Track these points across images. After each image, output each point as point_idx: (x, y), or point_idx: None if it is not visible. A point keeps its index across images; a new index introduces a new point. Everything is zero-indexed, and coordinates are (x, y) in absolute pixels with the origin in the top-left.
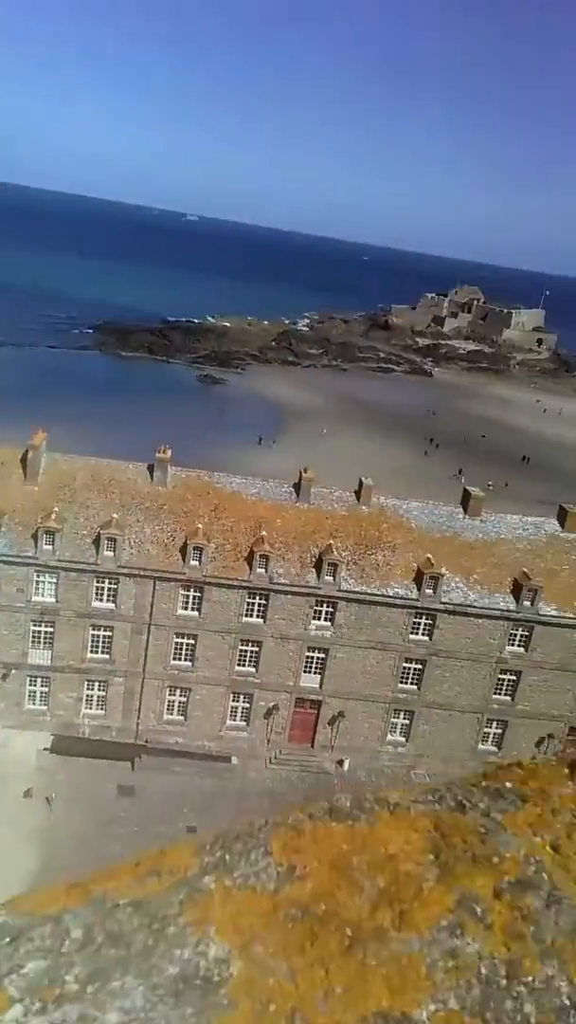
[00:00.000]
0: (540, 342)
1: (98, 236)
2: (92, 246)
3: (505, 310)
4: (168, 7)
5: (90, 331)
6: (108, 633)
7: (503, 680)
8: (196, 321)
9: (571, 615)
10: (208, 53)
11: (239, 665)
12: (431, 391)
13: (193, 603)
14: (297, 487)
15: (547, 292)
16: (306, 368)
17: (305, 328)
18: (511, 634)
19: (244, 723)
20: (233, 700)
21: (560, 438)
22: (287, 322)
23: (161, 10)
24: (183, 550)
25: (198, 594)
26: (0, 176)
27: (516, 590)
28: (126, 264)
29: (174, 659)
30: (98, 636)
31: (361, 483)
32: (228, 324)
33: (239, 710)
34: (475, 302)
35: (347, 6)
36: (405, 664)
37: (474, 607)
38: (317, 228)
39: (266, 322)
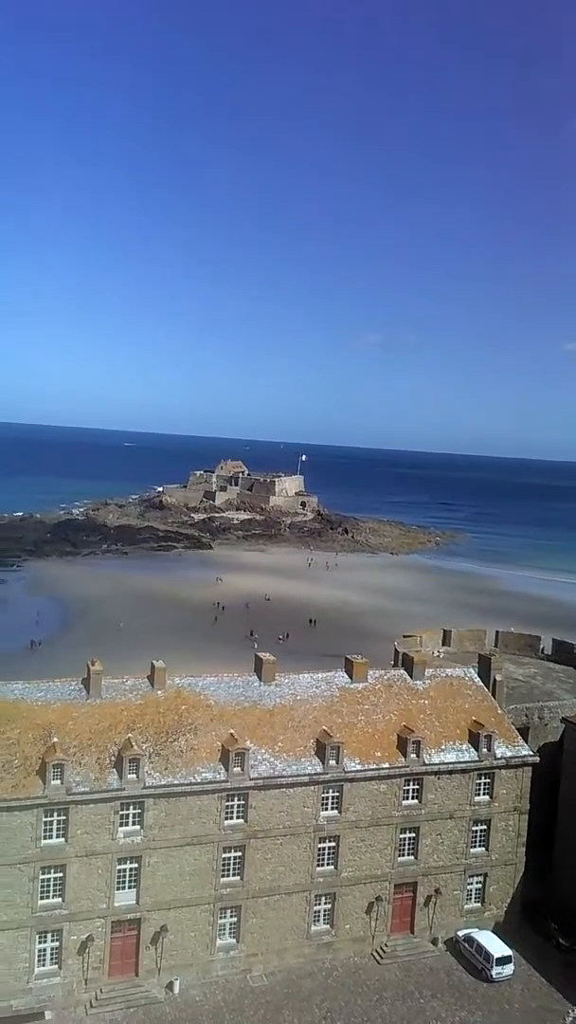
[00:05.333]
0: (304, 504)
1: None
2: None
3: (268, 479)
4: None
5: None
6: None
7: (323, 849)
8: None
9: (374, 766)
10: None
11: (42, 898)
12: (213, 561)
13: None
14: (87, 683)
15: (303, 457)
16: (87, 557)
17: (81, 516)
18: (323, 798)
19: (55, 966)
20: (40, 941)
21: (339, 597)
22: (62, 513)
23: None
24: None
25: None
26: None
27: (320, 751)
28: None
29: None
30: None
31: (153, 667)
32: None
33: (48, 952)
34: (240, 474)
35: None
36: (224, 855)
37: (284, 776)
38: (78, 420)
39: (39, 515)
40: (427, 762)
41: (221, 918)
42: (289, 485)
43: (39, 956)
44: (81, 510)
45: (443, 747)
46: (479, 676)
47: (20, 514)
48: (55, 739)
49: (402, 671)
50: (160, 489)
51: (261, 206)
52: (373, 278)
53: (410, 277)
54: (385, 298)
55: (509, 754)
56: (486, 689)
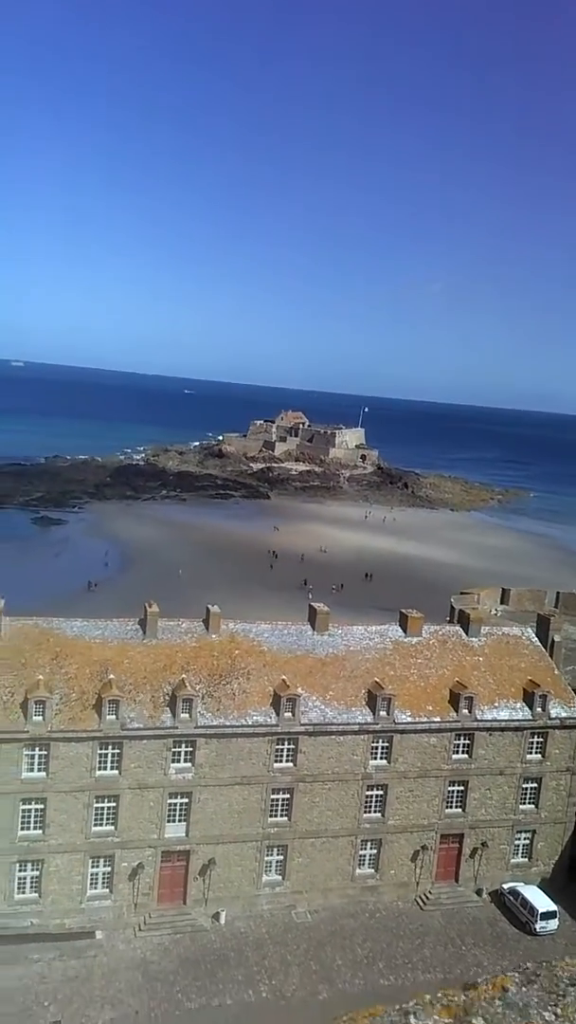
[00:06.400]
0: (364, 458)
1: None
2: None
3: (329, 431)
4: None
5: None
6: None
7: (371, 796)
8: (25, 463)
9: (424, 719)
10: None
11: (96, 825)
12: (271, 511)
13: (39, 763)
14: (143, 623)
15: (366, 408)
16: (146, 501)
17: (141, 462)
18: (372, 747)
19: (107, 890)
20: (93, 866)
21: (396, 551)
22: (122, 457)
23: None
24: (24, 706)
25: (44, 752)
26: None
27: (371, 701)
28: None
29: (22, 829)
30: None
31: (208, 611)
32: (62, 463)
33: (100, 876)
34: (301, 425)
35: None
36: (273, 796)
37: (334, 724)
38: (136, 366)
39: (100, 458)
40: (479, 718)
41: (268, 856)
42: (349, 438)
43: (91, 879)
44: (141, 456)
45: (496, 704)
46: (537, 636)
47: (83, 457)
48: (111, 676)
49: (457, 627)
50: (220, 437)
51: (327, 160)
52: (436, 225)
53: (478, 222)
54: (450, 245)
55: (564, 715)
56: (543, 649)
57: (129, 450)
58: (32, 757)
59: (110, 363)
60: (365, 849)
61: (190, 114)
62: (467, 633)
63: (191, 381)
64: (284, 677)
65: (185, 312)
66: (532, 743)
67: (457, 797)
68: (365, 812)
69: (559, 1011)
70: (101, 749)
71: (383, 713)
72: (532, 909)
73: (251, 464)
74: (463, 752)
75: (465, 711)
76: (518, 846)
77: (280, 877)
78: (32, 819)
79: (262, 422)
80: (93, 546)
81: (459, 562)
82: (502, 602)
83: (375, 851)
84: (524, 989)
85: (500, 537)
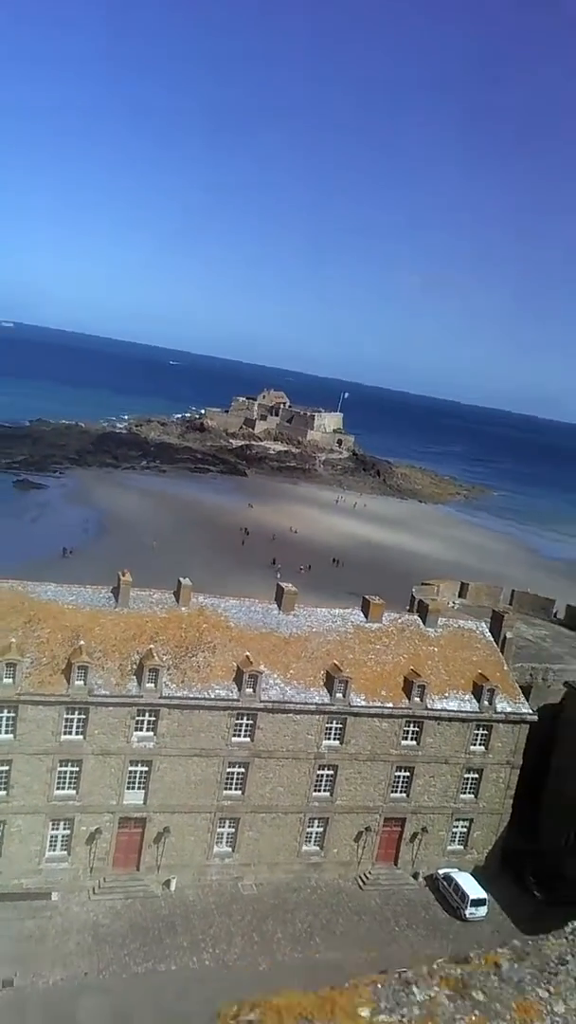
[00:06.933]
0: (340, 442)
1: None
2: None
3: (309, 413)
4: None
5: None
6: None
7: (322, 776)
8: (8, 425)
9: (378, 704)
10: None
11: (58, 788)
12: (246, 488)
13: (7, 725)
14: (116, 592)
15: (346, 394)
16: (125, 471)
17: (123, 430)
18: (326, 727)
19: (65, 852)
20: (53, 828)
21: (363, 538)
22: (105, 425)
23: None
24: None
25: (12, 714)
26: None
27: (328, 683)
28: None
29: None
30: None
31: (179, 583)
32: (45, 427)
33: (59, 838)
34: (282, 405)
35: None
36: (229, 769)
37: (292, 703)
38: (126, 335)
39: (84, 424)
40: (429, 707)
41: (220, 827)
42: (328, 421)
43: (51, 841)
44: (124, 425)
45: (446, 694)
46: (490, 631)
47: (67, 422)
48: (82, 642)
49: (416, 617)
50: (202, 411)
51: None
52: (413, 215)
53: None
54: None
55: (509, 709)
56: (495, 644)
57: (113, 418)
58: (0, 719)
59: (103, 330)
60: (312, 827)
61: (187, 83)
62: (425, 623)
63: (177, 352)
64: (248, 653)
65: (186, 285)
66: (477, 735)
67: (403, 782)
68: (315, 791)
69: (552, 988)
70: (68, 714)
71: (339, 695)
72: (463, 895)
73: (231, 440)
74: (412, 739)
75: (417, 699)
76: (455, 833)
77: (230, 849)
78: None
79: (244, 399)
80: (72, 512)
81: (424, 553)
82: (460, 595)
83: (321, 829)
84: (515, 966)
85: (465, 531)
